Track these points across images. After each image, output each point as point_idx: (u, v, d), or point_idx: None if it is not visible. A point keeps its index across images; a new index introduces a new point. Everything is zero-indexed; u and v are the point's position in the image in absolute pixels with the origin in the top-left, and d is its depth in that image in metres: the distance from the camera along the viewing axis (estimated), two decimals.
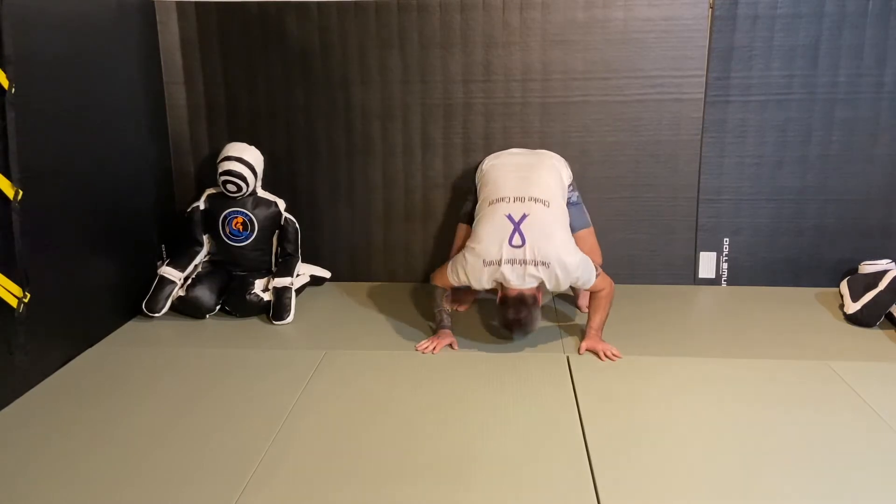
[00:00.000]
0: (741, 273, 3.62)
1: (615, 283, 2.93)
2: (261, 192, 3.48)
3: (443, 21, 3.45)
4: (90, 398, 2.49)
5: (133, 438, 2.22)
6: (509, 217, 2.74)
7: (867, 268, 3.39)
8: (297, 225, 3.54)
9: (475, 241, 2.78)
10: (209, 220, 3.44)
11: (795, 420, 2.29)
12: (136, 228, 3.33)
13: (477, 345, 2.92)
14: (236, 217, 3.41)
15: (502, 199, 2.81)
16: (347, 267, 3.76)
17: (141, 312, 3.24)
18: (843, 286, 3.34)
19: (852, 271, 3.47)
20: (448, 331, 2.92)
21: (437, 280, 2.96)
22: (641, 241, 3.62)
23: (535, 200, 2.78)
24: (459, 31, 3.45)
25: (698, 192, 3.55)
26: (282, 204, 3.51)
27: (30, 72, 2.50)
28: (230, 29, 3.51)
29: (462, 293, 3.29)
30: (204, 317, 3.26)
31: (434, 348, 2.84)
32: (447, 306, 2.99)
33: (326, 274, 3.69)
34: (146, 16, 3.41)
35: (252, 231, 3.43)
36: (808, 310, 3.30)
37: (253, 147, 3.42)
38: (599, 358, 2.75)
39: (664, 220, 3.60)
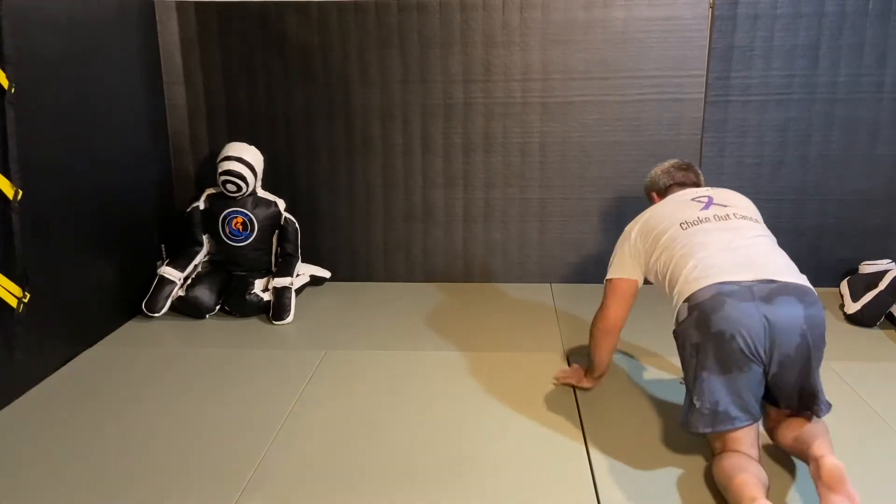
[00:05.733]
0: None
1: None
2: (261, 192, 3.48)
3: (443, 21, 3.45)
4: (90, 398, 2.49)
5: (132, 438, 2.22)
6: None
7: (867, 268, 3.39)
8: (297, 225, 3.54)
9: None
10: (209, 220, 3.44)
11: None
12: (136, 228, 3.33)
13: (477, 345, 2.93)
14: (236, 217, 3.41)
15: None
16: (347, 267, 3.76)
17: (141, 312, 3.24)
18: (844, 286, 3.34)
19: (852, 271, 3.46)
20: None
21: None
22: None
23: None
24: (459, 31, 3.45)
25: None
26: (282, 204, 3.51)
27: (30, 72, 2.51)
28: (230, 29, 3.51)
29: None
30: (204, 317, 3.26)
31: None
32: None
33: (326, 274, 3.69)
34: (146, 16, 3.41)
35: (252, 231, 3.43)
36: None
37: (253, 147, 3.42)
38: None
39: None
